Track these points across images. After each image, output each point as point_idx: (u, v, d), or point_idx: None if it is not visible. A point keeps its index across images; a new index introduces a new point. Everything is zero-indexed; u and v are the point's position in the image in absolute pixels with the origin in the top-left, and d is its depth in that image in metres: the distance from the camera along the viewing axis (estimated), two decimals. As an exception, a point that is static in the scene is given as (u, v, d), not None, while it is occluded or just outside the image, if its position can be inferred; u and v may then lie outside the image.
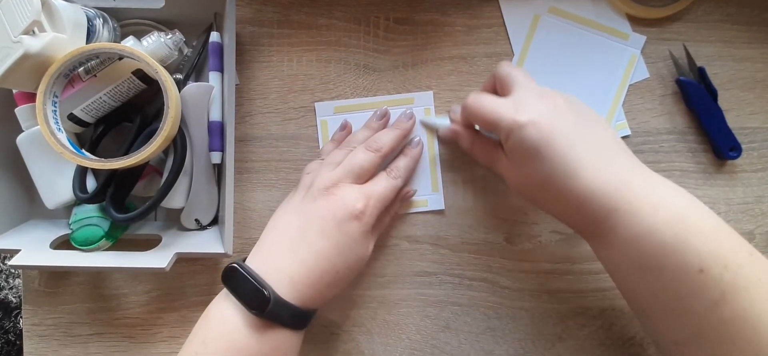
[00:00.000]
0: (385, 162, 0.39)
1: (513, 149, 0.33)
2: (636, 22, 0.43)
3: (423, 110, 0.42)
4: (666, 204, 0.29)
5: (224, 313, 0.33)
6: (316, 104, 0.43)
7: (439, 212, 0.43)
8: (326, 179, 0.35)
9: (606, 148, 0.32)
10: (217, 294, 0.35)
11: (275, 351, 0.33)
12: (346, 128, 0.42)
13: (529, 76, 0.35)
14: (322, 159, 0.39)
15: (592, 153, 0.31)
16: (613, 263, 0.32)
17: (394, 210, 0.41)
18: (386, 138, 0.39)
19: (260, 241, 0.36)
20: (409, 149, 0.41)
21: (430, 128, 0.42)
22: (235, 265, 0.33)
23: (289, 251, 0.34)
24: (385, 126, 0.41)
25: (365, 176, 0.37)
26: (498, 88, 0.37)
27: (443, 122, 0.41)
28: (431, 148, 0.42)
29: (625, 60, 0.42)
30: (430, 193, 0.42)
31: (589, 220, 0.31)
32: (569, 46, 0.43)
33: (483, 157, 0.38)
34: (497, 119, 0.33)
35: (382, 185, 0.37)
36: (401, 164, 0.40)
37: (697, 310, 0.28)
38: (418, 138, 0.42)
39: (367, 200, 0.35)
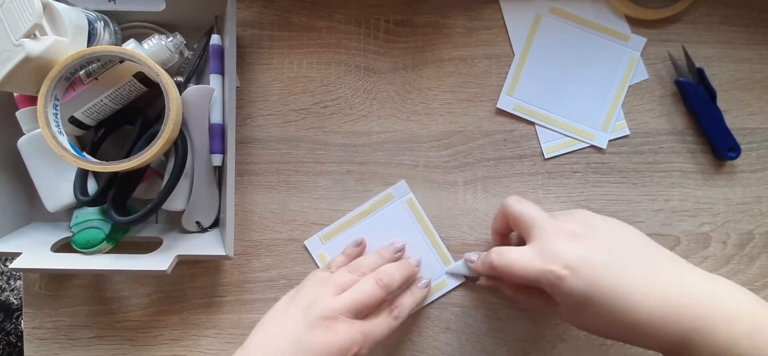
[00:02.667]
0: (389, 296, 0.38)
1: (564, 302, 0.32)
2: (634, 23, 0.43)
3: (405, 201, 0.42)
4: (737, 316, 0.29)
5: None
6: (305, 243, 0.42)
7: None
8: (328, 309, 0.34)
9: (644, 258, 0.31)
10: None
11: None
12: (360, 245, 0.42)
13: (540, 210, 0.35)
14: (331, 271, 0.39)
15: (640, 276, 0.30)
16: None
17: (402, 315, 0.39)
18: (397, 276, 0.38)
19: (249, 347, 0.34)
20: (417, 288, 0.40)
21: (417, 213, 0.42)
22: None
23: None
24: (398, 260, 0.41)
25: (367, 312, 0.36)
26: (513, 227, 0.37)
27: (468, 273, 0.41)
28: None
29: (625, 62, 0.43)
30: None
31: (667, 345, 0.30)
32: (570, 47, 0.43)
33: (535, 309, 0.36)
34: (533, 277, 0.32)
35: (382, 326, 0.36)
36: (406, 303, 0.38)
37: None
38: (427, 280, 0.41)
39: (363, 342, 0.34)
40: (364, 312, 0.36)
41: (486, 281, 0.39)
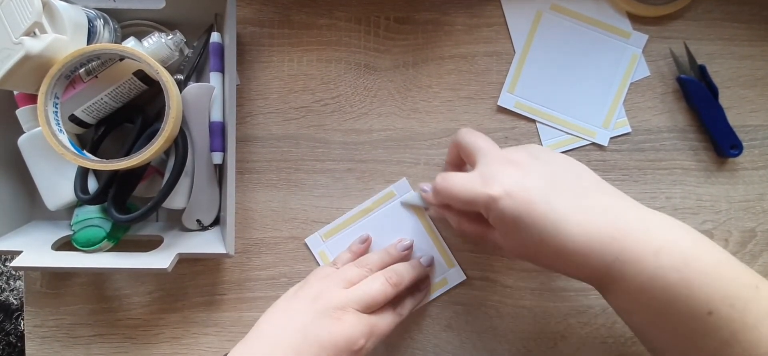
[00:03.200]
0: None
1: (496, 224, 0.32)
2: (636, 20, 0.43)
3: (405, 197, 0.42)
4: (667, 247, 0.28)
5: None
6: (306, 240, 0.42)
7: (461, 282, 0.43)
8: (335, 299, 0.34)
9: (585, 191, 0.31)
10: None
11: None
12: (365, 242, 0.42)
13: (489, 141, 0.35)
14: (336, 266, 0.39)
15: (574, 204, 0.30)
16: (621, 310, 0.31)
17: (405, 311, 0.39)
18: (407, 276, 0.38)
19: (257, 334, 0.34)
20: (418, 293, 0.41)
21: (417, 208, 0.42)
22: None
23: None
24: (405, 258, 0.41)
25: (374, 308, 0.36)
26: (463, 157, 0.37)
27: (421, 203, 0.42)
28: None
29: (627, 59, 0.42)
30: (446, 270, 0.42)
31: (592, 273, 0.30)
32: (571, 44, 0.43)
33: (474, 236, 0.36)
34: (470, 198, 0.32)
35: (388, 322, 0.36)
36: (409, 303, 0.39)
37: (710, 351, 0.27)
38: (430, 279, 0.42)
39: (369, 336, 0.34)
40: (371, 308, 0.36)
41: (435, 211, 0.39)
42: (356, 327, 0.34)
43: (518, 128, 0.43)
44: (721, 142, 0.42)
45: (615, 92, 0.42)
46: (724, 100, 0.42)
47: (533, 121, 0.43)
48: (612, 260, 0.29)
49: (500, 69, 0.43)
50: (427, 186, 0.39)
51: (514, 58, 0.43)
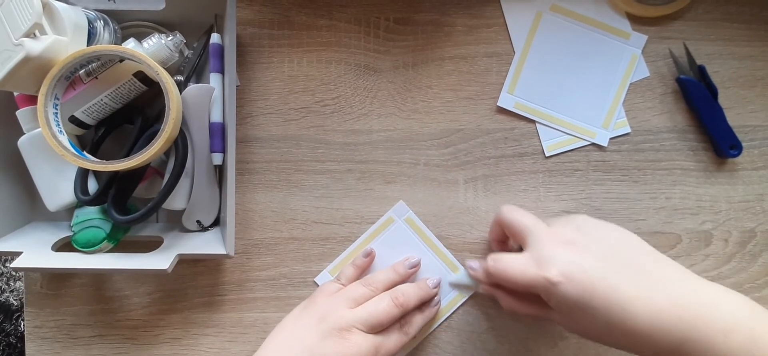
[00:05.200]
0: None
1: (558, 308, 0.32)
2: (636, 20, 0.43)
3: (404, 220, 0.42)
4: (737, 328, 0.28)
5: None
6: (316, 280, 0.42)
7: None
8: (342, 320, 0.35)
9: (643, 267, 0.31)
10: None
11: None
12: (369, 256, 0.41)
13: (533, 218, 0.34)
14: (341, 283, 0.39)
15: (635, 283, 0.30)
16: None
17: (414, 330, 0.39)
18: (414, 296, 0.38)
19: (265, 353, 0.35)
20: (428, 308, 0.40)
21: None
22: None
23: None
24: (412, 276, 0.41)
25: (380, 329, 0.36)
26: (508, 235, 0.37)
27: (471, 282, 0.41)
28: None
29: (626, 59, 0.42)
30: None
31: (663, 352, 0.30)
32: (570, 45, 0.43)
33: (532, 317, 0.36)
34: (527, 283, 0.32)
35: (394, 342, 0.36)
36: (417, 321, 0.39)
37: None
38: (438, 298, 0.41)
39: (375, 355, 0.35)
40: (377, 328, 0.36)
41: (485, 288, 0.39)
42: (362, 347, 0.34)
43: (518, 129, 0.43)
44: (720, 142, 0.42)
45: (615, 92, 0.42)
46: (723, 100, 0.42)
47: (533, 122, 0.43)
48: (681, 341, 0.29)
49: (500, 70, 0.43)
50: (475, 264, 0.39)
51: (514, 58, 0.43)
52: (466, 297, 0.42)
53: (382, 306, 0.36)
